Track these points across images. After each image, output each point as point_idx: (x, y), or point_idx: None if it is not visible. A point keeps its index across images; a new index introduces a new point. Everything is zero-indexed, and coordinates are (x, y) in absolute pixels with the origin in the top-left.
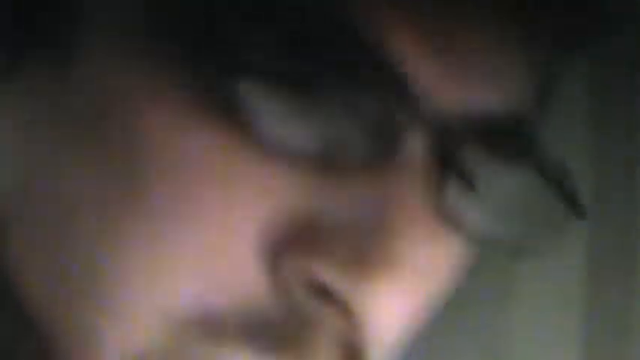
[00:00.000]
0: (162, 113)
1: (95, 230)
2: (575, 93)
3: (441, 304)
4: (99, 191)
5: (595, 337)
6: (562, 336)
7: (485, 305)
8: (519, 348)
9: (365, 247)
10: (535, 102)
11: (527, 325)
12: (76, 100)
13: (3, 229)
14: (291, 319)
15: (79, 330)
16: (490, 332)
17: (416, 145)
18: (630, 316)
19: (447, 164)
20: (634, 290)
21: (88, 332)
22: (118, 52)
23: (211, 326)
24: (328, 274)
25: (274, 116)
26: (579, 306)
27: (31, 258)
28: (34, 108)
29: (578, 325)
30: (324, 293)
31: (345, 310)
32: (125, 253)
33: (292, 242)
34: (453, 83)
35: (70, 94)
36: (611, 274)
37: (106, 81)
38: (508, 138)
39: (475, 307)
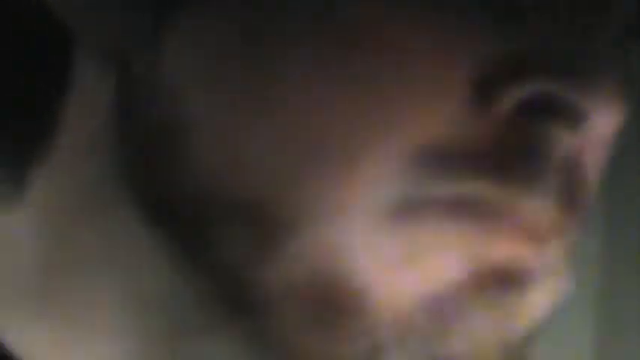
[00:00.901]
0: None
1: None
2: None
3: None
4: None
5: (607, 331)
6: (574, 334)
7: None
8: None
9: (577, 60)
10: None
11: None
12: None
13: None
14: (507, 149)
15: (314, 199)
16: None
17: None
18: None
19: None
20: None
21: (325, 196)
22: None
23: (441, 160)
24: (546, 85)
25: None
26: (592, 304)
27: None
28: None
29: (591, 323)
30: (543, 112)
31: (567, 114)
32: (349, 113)
33: (506, 71)
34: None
35: None
36: (625, 272)
37: None
38: None
39: None
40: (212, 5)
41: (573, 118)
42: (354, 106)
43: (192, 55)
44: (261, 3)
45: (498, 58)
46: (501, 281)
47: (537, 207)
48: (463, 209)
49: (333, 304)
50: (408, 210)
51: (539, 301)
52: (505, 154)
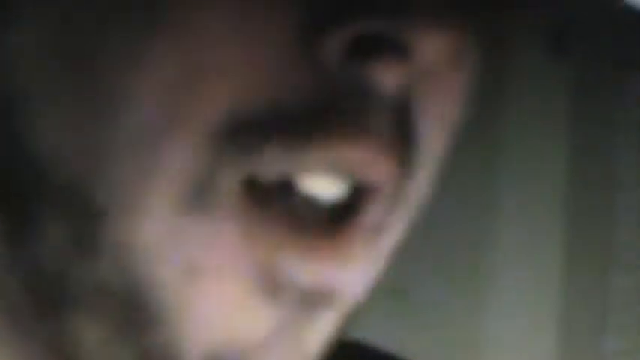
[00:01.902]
0: None
1: (118, 63)
2: (555, 92)
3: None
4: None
5: (572, 322)
6: (539, 323)
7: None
8: (496, 337)
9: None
10: None
11: (505, 317)
12: None
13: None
14: (339, 92)
15: (118, 175)
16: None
17: None
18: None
19: None
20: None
21: (128, 175)
22: None
23: (254, 124)
24: (373, 24)
25: None
26: (556, 297)
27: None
28: None
29: (556, 316)
30: (371, 52)
31: (395, 49)
32: (153, 75)
33: (333, 14)
34: None
35: None
36: (587, 267)
37: None
38: None
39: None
40: None
41: (398, 53)
42: (162, 82)
43: (34, 27)
44: None
45: (318, 1)
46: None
47: (373, 147)
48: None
49: (134, 312)
50: (208, 202)
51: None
52: (337, 98)
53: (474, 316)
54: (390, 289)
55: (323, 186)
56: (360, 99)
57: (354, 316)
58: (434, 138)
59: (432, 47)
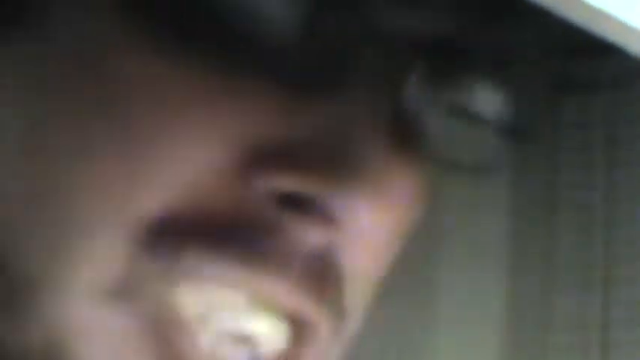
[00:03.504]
0: (131, 53)
1: (72, 153)
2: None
3: (404, 240)
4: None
5: (515, 331)
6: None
7: (406, 303)
8: (443, 342)
9: (338, 161)
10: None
11: (450, 328)
12: (53, 56)
13: None
14: (261, 233)
15: (49, 258)
16: (410, 329)
17: (375, 64)
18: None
19: (400, 80)
20: (553, 286)
21: (57, 257)
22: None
23: (178, 233)
24: (306, 184)
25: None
26: (499, 309)
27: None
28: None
29: (499, 326)
30: (300, 205)
31: (322, 215)
32: (99, 171)
33: (267, 160)
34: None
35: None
36: (532, 268)
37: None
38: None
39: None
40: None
41: (320, 216)
42: (103, 169)
43: None
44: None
45: (263, 143)
46: None
47: (278, 294)
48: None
49: None
50: (132, 291)
51: None
52: (252, 236)
53: (416, 330)
54: None
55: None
56: (281, 242)
57: None
58: (363, 279)
59: (358, 217)
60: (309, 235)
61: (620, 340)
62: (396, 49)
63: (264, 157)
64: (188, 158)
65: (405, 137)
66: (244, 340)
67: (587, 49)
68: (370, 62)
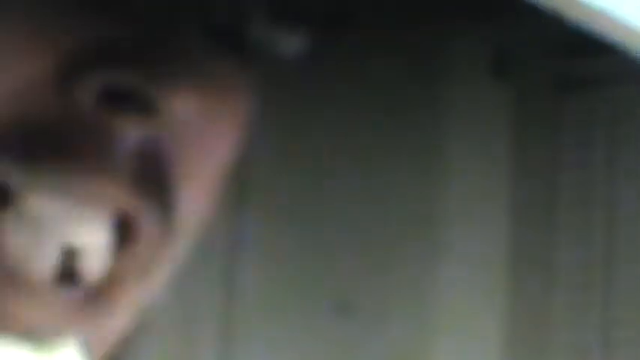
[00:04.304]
0: None
1: None
2: (496, 117)
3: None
4: None
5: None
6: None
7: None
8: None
9: (157, 50)
10: None
11: (451, 324)
12: None
13: None
14: (82, 135)
15: None
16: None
17: None
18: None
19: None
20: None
21: None
22: None
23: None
24: (127, 76)
25: None
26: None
27: None
28: None
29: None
30: (119, 100)
31: (141, 106)
32: None
33: (89, 62)
34: None
35: None
36: (531, 266)
37: None
38: None
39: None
40: None
41: (142, 107)
42: None
43: None
44: None
45: (78, 46)
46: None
47: (101, 194)
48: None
49: None
50: None
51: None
52: (80, 134)
53: (418, 331)
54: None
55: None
56: (102, 141)
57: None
58: (192, 191)
59: (179, 106)
60: (129, 129)
61: (621, 340)
62: None
63: (83, 56)
64: (4, 70)
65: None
66: (72, 253)
67: (588, 48)
68: None
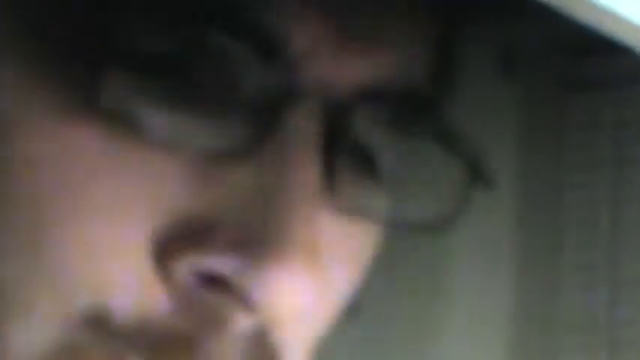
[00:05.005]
0: (38, 121)
1: None
2: (504, 117)
3: (353, 292)
4: None
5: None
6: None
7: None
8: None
9: (254, 233)
10: (432, 76)
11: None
12: None
13: None
14: (189, 320)
15: None
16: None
17: (299, 121)
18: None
19: (336, 136)
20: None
21: None
22: None
23: (107, 326)
24: (220, 265)
25: (153, 108)
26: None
27: None
28: None
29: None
30: (222, 287)
31: (242, 298)
32: (20, 257)
33: (183, 241)
34: (330, 46)
35: None
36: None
37: None
38: (402, 111)
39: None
40: None
41: (241, 297)
42: (28, 262)
43: None
44: None
45: (175, 226)
46: None
47: None
48: None
49: None
50: None
51: None
52: (183, 325)
53: (429, 337)
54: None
55: None
56: (213, 325)
57: None
58: (309, 340)
59: (280, 306)
60: (235, 319)
61: (628, 340)
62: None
63: (184, 239)
64: (104, 243)
65: (342, 193)
66: None
67: (596, 48)
68: (291, 118)
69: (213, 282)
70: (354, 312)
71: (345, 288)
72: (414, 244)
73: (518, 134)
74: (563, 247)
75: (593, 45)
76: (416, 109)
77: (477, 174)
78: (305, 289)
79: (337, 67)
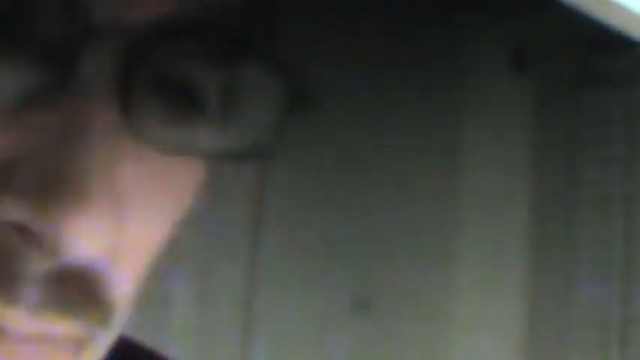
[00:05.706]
0: None
1: None
2: (516, 110)
3: (179, 223)
4: None
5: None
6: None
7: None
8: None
9: (52, 176)
10: (249, 8)
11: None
12: None
13: None
14: None
15: None
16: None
17: (97, 62)
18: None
19: (137, 74)
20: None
21: None
22: None
23: None
24: (16, 211)
25: None
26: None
27: None
28: None
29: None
30: (18, 230)
31: (37, 240)
32: None
33: None
34: None
35: None
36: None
37: None
38: (216, 42)
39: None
40: None
41: (36, 240)
42: None
43: None
44: None
45: None
46: None
47: (23, 317)
48: None
49: None
50: None
51: None
52: None
53: (439, 330)
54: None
55: None
56: (7, 264)
57: None
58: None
59: (76, 247)
60: (38, 261)
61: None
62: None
63: None
64: None
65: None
66: None
67: (608, 44)
68: (89, 60)
69: (10, 226)
70: (365, 307)
71: (162, 220)
72: (427, 237)
73: (530, 128)
74: (576, 243)
75: (605, 41)
76: (233, 41)
77: (298, 100)
78: (102, 230)
79: (132, 4)
